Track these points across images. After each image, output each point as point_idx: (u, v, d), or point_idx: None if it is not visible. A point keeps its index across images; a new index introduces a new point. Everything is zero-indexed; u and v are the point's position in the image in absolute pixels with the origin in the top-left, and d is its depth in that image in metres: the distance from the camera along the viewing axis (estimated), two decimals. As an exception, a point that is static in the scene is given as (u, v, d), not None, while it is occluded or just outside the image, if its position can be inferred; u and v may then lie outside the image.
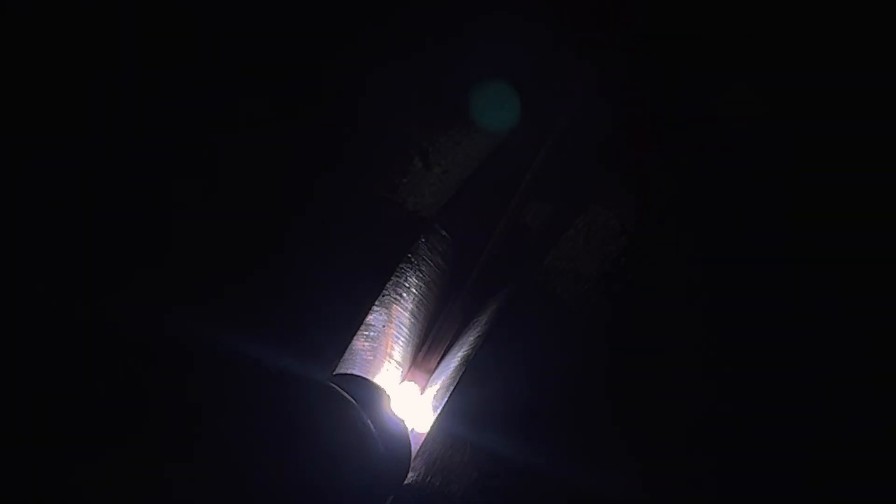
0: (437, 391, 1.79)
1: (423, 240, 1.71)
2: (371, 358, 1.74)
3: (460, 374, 1.65)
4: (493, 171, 1.74)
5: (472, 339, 1.71)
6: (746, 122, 1.60)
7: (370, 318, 1.68)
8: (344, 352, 1.63)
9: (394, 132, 1.69)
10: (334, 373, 1.65)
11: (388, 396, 1.62)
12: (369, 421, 1.37)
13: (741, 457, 1.48)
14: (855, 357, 1.50)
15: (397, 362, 1.83)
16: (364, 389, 1.54)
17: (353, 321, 1.63)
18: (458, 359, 1.72)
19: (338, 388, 1.39)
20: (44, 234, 1.43)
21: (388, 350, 1.78)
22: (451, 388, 1.65)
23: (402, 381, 1.85)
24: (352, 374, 1.69)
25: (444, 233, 1.74)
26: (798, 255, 1.56)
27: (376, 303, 1.65)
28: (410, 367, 1.86)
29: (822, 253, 1.55)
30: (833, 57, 1.51)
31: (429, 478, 1.55)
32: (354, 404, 1.36)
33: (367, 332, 1.69)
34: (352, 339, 1.63)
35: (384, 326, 1.73)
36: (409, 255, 1.69)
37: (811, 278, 1.54)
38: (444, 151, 1.71)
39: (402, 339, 1.78)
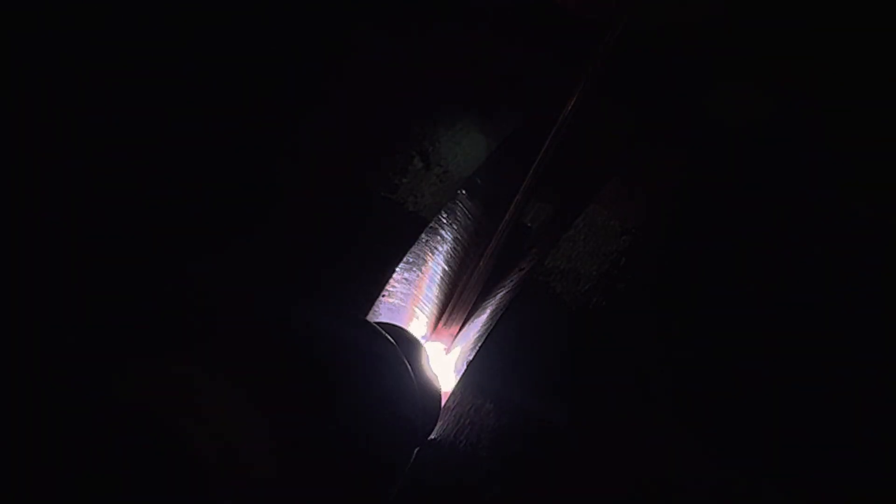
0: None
1: (423, 240, 1.71)
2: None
3: (461, 371, 1.66)
4: (493, 171, 1.73)
5: (473, 338, 1.71)
6: (750, 122, 1.58)
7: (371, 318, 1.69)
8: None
9: (394, 132, 1.69)
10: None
11: (423, 346, 1.50)
12: (410, 368, 1.27)
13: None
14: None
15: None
16: (399, 337, 1.39)
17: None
18: (460, 358, 1.73)
19: (379, 328, 1.30)
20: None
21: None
22: (453, 383, 1.66)
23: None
24: (385, 322, 1.56)
25: (444, 233, 1.74)
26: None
27: (375, 305, 1.66)
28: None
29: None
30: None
31: (455, 436, 1.52)
32: (395, 345, 1.26)
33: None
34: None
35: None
36: (409, 256, 1.69)
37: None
38: (444, 151, 1.70)
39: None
